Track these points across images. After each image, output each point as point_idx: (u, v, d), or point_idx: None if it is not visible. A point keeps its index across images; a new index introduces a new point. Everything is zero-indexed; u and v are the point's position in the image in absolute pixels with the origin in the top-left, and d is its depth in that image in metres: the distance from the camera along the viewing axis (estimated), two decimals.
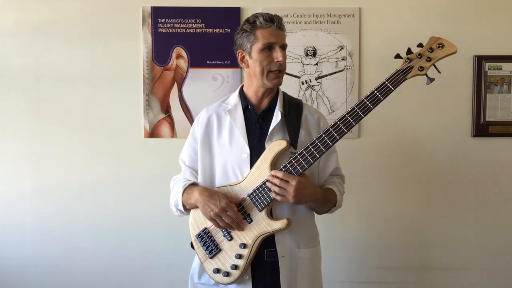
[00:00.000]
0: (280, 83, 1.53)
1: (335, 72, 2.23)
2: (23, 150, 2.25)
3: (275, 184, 1.41)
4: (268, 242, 1.47)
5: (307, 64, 2.22)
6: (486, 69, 2.21)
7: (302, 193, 1.41)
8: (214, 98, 2.06)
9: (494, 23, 2.20)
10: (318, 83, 2.23)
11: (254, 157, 1.50)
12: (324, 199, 1.51)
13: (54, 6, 2.20)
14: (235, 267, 1.46)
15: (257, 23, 1.47)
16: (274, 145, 1.46)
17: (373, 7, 2.21)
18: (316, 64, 2.22)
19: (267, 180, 1.44)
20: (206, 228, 1.52)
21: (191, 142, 1.63)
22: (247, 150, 1.51)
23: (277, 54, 1.47)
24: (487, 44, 2.20)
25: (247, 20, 1.51)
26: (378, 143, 2.24)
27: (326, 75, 2.23)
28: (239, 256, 1.46)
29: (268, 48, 1.47)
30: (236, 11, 2.20)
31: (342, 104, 2.22)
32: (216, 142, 1.56)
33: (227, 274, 1.47)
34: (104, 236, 2.27)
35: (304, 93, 2.22)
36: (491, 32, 2.21)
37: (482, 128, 2.23)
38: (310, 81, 2.23)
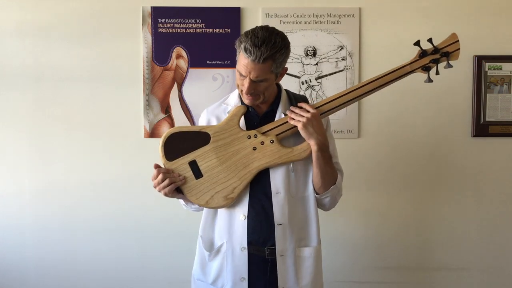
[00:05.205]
0: (252, 104, 1.48)
1: (335, 72, 2.23)
2: (23, 150, 2.25)
3: (293, 112, 1.44)
4: (269, 239, 1.48)
5: (307, 64, 2.22)
6: (486, 69, 2.21)
7: (314, 123, 1.43)
8: (214, 98, 2.06)
9: (494, 23, 2.20)
10: (318, 83, 2.23)
11: None
12: (329, 157, 1.48)
13: (54, 6, 2.20)
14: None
15: (241, 48, 1.40)
16: None
17: (373, 7, 2.21)
18: (316, 64, 2.23)
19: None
20: None
21: None
22: None
23: (245, 84, 1.42)
24: (487, 44, 2.20)
25: (240, 38, 1.42)
26: (378, 143, 2.24)
27: (326, 75, 2.23)
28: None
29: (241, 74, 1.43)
30: (236, 11, 2.20)
31: None
32: None
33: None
34: (104, 236, 2.27)
35: (304, 93, 2.22)
36: (491, 32, 2.21)
37: (482, 128, 2.23)
38: (310, 81, 2.23)
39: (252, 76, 1.40)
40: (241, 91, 1.47)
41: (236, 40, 1.45)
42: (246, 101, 1.48)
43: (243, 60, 1.40)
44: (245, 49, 1.37)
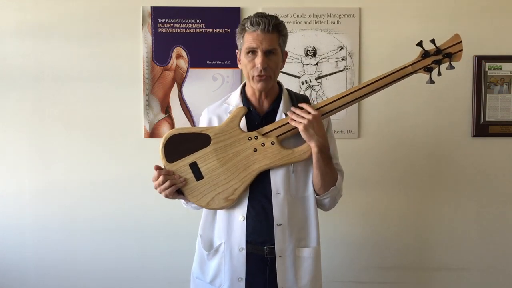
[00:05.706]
0: (264, 87, 1.48)
1: (335, 72, 2.23)
2: (23, 150, 2.25)
3: (294, 113, 1.45)
4: (268, 239, 1.48)
5: (307, 64, 2.22)
6: (486, 69, 2.21)
7: (315, 125, 1.43)
8: (214, 98, 2.06)
9: (494, 23, 2.20)
10: (318, 83, 2.23)
11: None
12: (329, 158, 1.48)
13: (54, 6, 2.20)
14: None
15: (245, 26, 1.44)
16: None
17: (373, 7, 2.21)
18: (316, 64, 2.22)
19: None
20: None
21: None
22: None
23: (257, 60, 1.43)
24: (487, 44, 2.20)
25: (240, 22, 1.49)
26: (378, 143, 2.24)
27: (326, 75, 2.23)
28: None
29: (251, 52, 1.44)
30: (236, 11, 2.20)
31: None
32: None
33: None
34: (103, 237, 2.27)
35: (304, 93, 2.22)
36: (491, 32, 2.21)
37: (482, 128, 2.23)
38: (310, 81, 2.23)
39: (264, 46, 1.42)
40: (252, 77, 1.46)
41: (235, 34, 1.49)
42: (258, 86, 1.47)
43: (251, 35, 1.43)
44: (252, 23, 1.43)
